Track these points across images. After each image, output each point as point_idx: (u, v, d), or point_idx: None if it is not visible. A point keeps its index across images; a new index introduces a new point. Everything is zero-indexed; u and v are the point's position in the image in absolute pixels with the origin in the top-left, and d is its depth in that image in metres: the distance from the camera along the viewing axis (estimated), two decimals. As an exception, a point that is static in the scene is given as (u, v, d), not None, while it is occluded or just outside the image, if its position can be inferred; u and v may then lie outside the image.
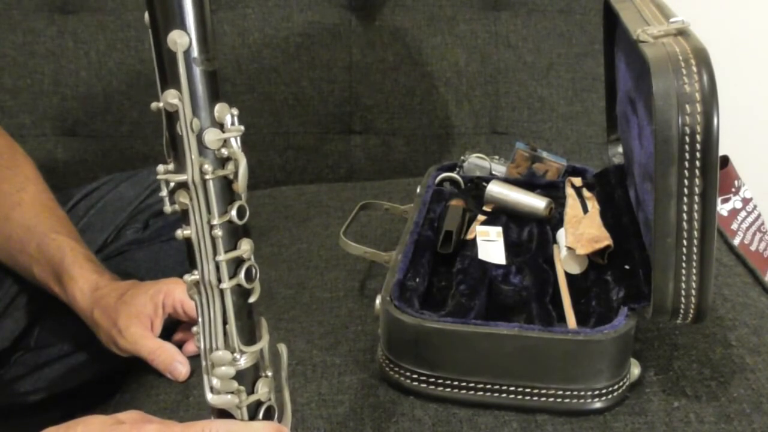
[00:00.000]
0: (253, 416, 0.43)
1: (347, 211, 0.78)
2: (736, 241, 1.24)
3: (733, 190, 1.28)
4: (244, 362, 0.41)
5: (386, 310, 0.60)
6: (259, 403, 0.43)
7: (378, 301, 0.62)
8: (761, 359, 0.63)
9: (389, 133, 1.15)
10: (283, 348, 0.45)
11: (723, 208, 1.27)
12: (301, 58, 1.12)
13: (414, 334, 0.59)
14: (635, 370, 0.60)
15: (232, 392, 0.41)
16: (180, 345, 0.69)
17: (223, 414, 0.42)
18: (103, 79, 1.12)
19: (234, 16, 1.13)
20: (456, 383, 0.59)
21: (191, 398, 0.64)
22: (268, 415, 0.43)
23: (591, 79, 1.14)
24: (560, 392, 0.57)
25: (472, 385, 0.59)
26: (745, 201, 1.28)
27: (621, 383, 0.58)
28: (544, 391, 0.58)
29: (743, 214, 1.28)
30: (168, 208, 0.39)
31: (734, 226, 1.26)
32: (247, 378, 0.42)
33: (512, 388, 0.58)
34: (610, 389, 0.58)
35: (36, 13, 1.12)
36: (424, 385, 0.60)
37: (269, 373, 0.43)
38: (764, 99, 1.39)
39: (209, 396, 0.41)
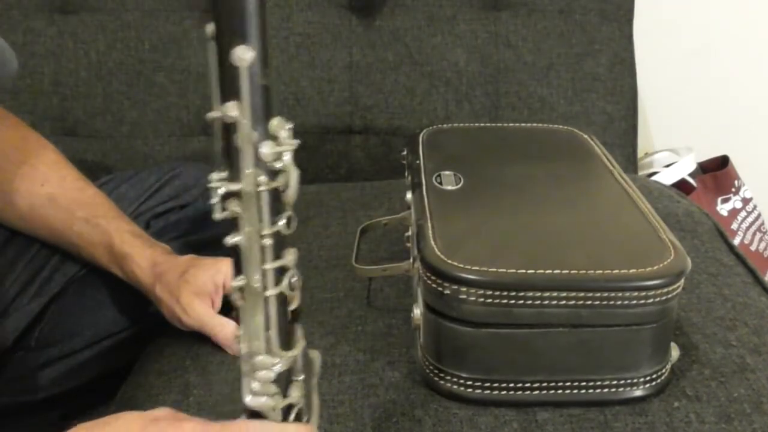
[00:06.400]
0: (284, 418, 0.44)
1: (347, 211, 0.78)
2: (736, 241, 1.24)
3: (733, 190, 1.28)
4: (280, 366, 0.42)
5: (435, 320, 0.59)
6: (290, 406, 0.44)
7: (418, 311, 0.62)
8: (761, 359, 0.63)
9: (389, 133, 1.15)
10: (316, 354, 0.46)
11: (723, 208, 1.27)
12: (301, 58, 1.12)
13: (468, 341, 0.58)
14: (674, 352, 0.61)
15: (268, 395, 0.43)
16: (237, 321, 0.71)
17: (256, 415, 0.43)
18: (103, 79, 1.12)
19: (234, 16, 1.13)
20: (512, 385, 0.59)
21: (191, 398, 0.64)
22: (298, 418, 0.45)
23: (591, 79, 1.15)
24: (614, 382, 0.58)
25: (528, 385, 0.59)
26: (745, 201, 1.28)
27: (666, 367, 0.60)
28: (599, 383, 0.59)
29: (743, 214, 1.28)
30: (218, 215, 0.40)
31: (734, 226, 1.26)
32: (282, 382, 0.43)
33: (568, 384, 0.58)
34: (659, 373, 0.59)
35: (36, 13, 1.12)
36: (479, 391, 0.59)
37: (301, 377, 0.45)
38: (764, 99, 1.39)
39: (248, 398, 0.43)
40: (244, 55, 0.36)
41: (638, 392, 0.59)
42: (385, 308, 0.73)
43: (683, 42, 1.35)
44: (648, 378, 0.59)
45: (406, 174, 0.78)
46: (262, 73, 0.37)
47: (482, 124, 0.91)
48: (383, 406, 0.60)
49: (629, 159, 1.18)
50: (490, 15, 1.14)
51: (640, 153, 1.25)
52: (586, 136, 0.82)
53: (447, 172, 0.72)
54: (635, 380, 0.59)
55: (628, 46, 1.17)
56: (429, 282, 0.58)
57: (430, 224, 0.63)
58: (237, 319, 0.70)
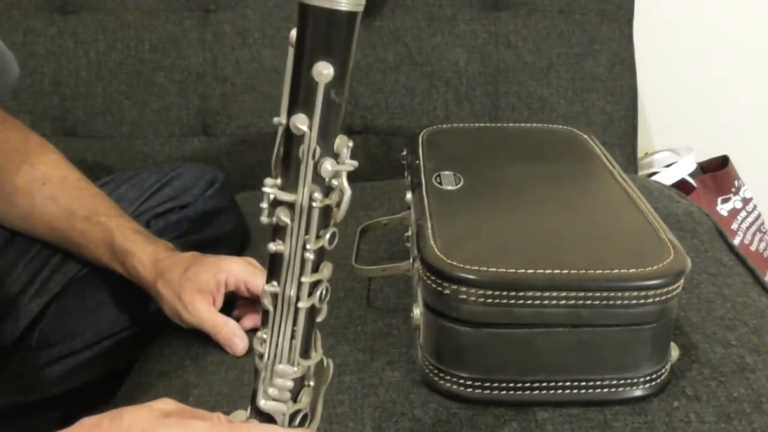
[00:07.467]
0: (291, 421, 0.44)
1: (347, 211, 0.78)
2: (736, 241, 1.24)
3: (733, 190, 1.28)
4: (296, 374, 0.43)
5: (434, 320, 0.59)
6: (297, 411, 0.44)
7: (418, 311, 0.62)
8: (761, 359, 0.63)
9: (389, 133, 1.15)
10: (330, 363, 0.47)
11: (723, 208, 1.27)
12: (301, 58, 1.12)
13: (468, 341, 0.58)
14: (674, 352, 0.61)
15: (281, 401, 0.43)
16: (238, 319, 0.72)
17: (265, 416, 0.44)
18: (103, 79, 1.12)
19: (234, 16, 1.13)
20: (512, 385, 0.59)
21: (191, 398, 0.65)
22: (302, 422, 0.45)
23: (591, 79, 1.15)
24: (614, 382, 0.58)
25: (527, 385, 0.59)
26: (745, 201, 1.28)
27: (666, 367, 0.60)
28: (599, 383, 0.58)
29: (743, 214, 1.28)
30: (265, 219, 0.40)
31: (734, 226, 1.26)
32: (295, 387, 0.44)
33: (567, 383, 0.58)
34: (659, 373, 0.59)
35: (36, 13, 1.12)
36: (479, 391, 0.59)
37: (312, 383, 0.45)
38: (764, 99, 1.39)
39: (262, 402, 0.43)
40: (324, 70, 0.36)
41: (638, 392, 0.59)
42: (385, 308, 0.73)
43: (683, 42, 1.35)
44: (648, 378, 0.59)
45: (406, 174, 0.78)
46: (338, 92, 0.37)
47: (482, 124, 0.91)
48: (383, 406, 0.60)
49: (629, 159, 1.18)
50: (490, 15, 1.14)
51: (640, 153, 1.25)
52: (586, 136, 0.82)
53: (447, 172, 0.72)
54: (635, 380, 0.59)
55: (628, 46, 1.17)
56: (429, 282, 0.58)
57: (429, 224, 0.63)
58: (238, 318, 0.71)
